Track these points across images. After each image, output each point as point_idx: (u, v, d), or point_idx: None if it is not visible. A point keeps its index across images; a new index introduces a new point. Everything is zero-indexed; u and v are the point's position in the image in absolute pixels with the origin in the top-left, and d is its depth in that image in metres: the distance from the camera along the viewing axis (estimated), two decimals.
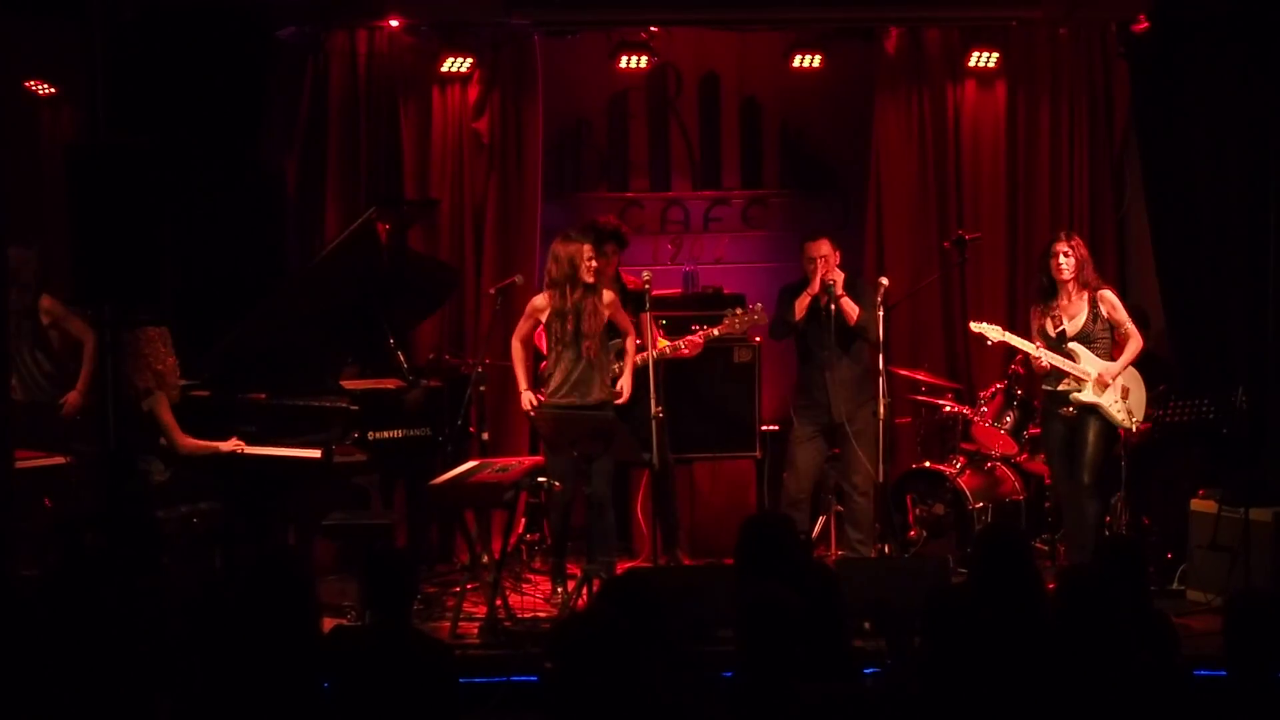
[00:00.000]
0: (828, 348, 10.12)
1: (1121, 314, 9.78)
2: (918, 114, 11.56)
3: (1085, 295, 9.73)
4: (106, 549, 7.34)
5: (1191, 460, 10.43)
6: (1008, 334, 9.89)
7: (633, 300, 10.29)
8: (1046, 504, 10.25)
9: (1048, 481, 10.60)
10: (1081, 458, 9.74)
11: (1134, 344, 9.75)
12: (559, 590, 9.97)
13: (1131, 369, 9.77)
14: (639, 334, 9.99)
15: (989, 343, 10.05)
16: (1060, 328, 9.75)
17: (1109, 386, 9.64)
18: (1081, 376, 9.67)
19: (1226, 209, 10.68)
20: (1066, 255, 9.68)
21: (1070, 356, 9.69)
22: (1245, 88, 10.53)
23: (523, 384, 9.89)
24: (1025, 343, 9.82)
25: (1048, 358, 9.69)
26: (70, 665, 5.83)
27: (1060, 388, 9.75)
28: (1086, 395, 9.67)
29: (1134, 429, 9.73)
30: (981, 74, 11.52)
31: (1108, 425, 9.71)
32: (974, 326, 10.03)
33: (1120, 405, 9.67)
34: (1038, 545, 10.56)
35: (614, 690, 5.16)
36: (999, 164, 11.57)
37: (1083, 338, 9.71)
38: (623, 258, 10.72)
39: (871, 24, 11.51)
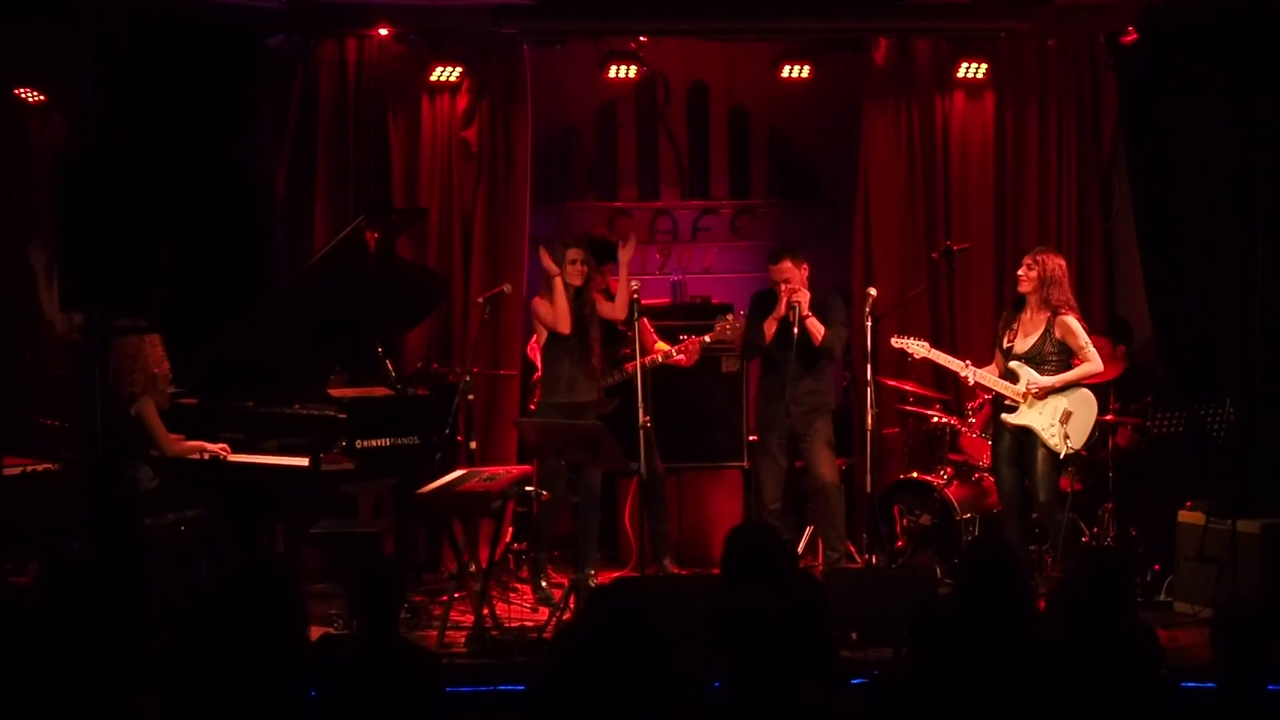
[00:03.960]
0: (792, 365, 10.11)
1: (1079, 340, 9.70)
2: (906, 124, 11.56)
3: (1045, 316, 9.74)
4: (93, 556, 7.34)
5: (1179, 471, 10.43)
6: (933, 351, 9.89)
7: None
8: (1034, 515, 10.25)
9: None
10: (1034, 474, 9.75)
11: (1086, 366, 9.72)
12: (543, 585, 10.09)
13: (1087, 394, 9.75)
14: (629, 344, 10.04)
15: (913, 359, 10.09)
16: (1010, 344, 9.78)
17: (1038, 404, 9.63)
18: (1016, 398, 9.69)
19: (1214, 220, 10.70)
20: (1029, 268, 9.71)
21: (1012, 375, 9.71)
22: (1233, 99, 10.55)
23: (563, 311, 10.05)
24: (951, 360, 9.86)
25: (975, 376, 9.73)
26: (57, 672, 5.83)
27: (1007, 401, 9.78)
28: (1017, 418, 9.70)
29: (1062, 452, 9.71)
30: (970, 85, 11.53)
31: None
32: (895, 342, 10.04)
33: (1056, 429, 9.64)
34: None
35: (605, 700, 5.18)
36: (987, 175, 11.58)
37: (1032, 357, 9.72)
38: (611, 267, 10.76)
39: (860, 34, 11.52)
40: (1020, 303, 9.82)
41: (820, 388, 10.29)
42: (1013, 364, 9.74)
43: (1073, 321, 9.74)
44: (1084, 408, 9.74)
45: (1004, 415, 9.72)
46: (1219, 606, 6.88)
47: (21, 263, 10.92)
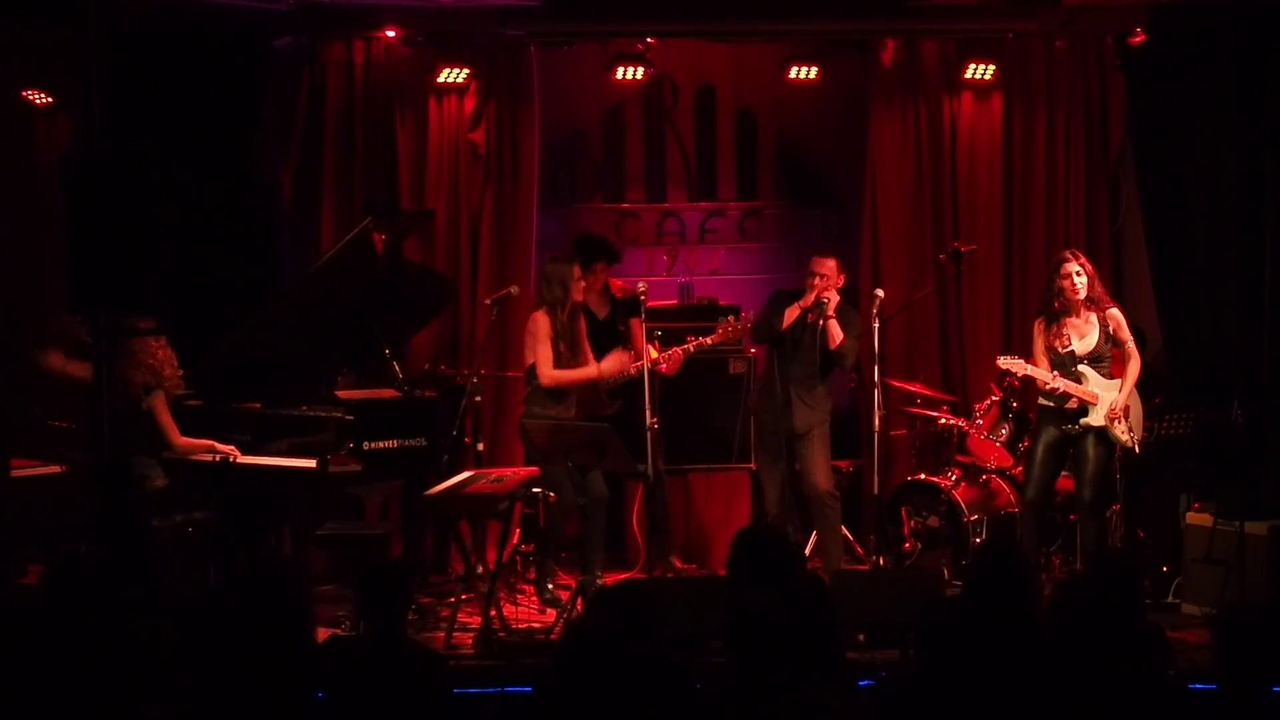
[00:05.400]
0: (804, 363, 10.13)
1: (1126, 332, 9.74)
2: (913, 126, 11.55)
3: (1094, 313, 9.71)
4: (99, 558, 7.34)
5: (1187, 473, 10.42)
6: (1029, 366, 9.81)
7: (625, 307, 10.34)
8: (1072, 515, 10.24)
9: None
10: (1083, 474, 9.73)
11: (1134, 365, 9.72)
12: (549, 587, 10.07)
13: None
14: (628, 343, 10.06)
15: (1015, 376, 10.05)
16: (1069, 347, 9.69)
17: (1105, 403, 9.63)
18: (1089, 399, 9.66)
19: (1222, 221, 10.69)
20: (1079, 274, 9.63)
21: (1078, 378, 9.68)
22: (1241, 100, 10.55)
23: (594, 367, 10.01)
24: (1044, 373, 9.75)
25: (1064, 386, 9.64)
26: (63, 674, 5.83)
27: (1067, 406, 9.73)
28: (1096, 419, 9.65)
29: (1137, 448, 9.74)
30: (977, 86, 11.51)
31: (1107, 440, 9.71)
32: (1001, 362, 9.93)
33: (1123, 425, 9.68)
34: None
35: (611, 700, 5.18)
36: (995, 176, 11.56)
37: (1095, 358, 9.70)
38: (619, 269, 10.77)
39: (867, 36, 11.51)
40: (1059, 311, 9.75)
41: (823, 393, 10.28)
42: (1081, 367, 9.69)
43: (1120, 315, 9.76)
44: (1135, 401, 9.78)
45: (1083, 419, 9.67)
46: (1220, 609, 6.88)
47: (25, 264, 10.91)
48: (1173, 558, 10.14)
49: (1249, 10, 10.44)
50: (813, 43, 11.48)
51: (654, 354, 10.21)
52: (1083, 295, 9.64)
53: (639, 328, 9.86)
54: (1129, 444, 9.69)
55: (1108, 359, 9.73)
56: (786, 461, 10.29)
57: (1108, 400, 9.65)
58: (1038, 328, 9.86)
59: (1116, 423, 9.63)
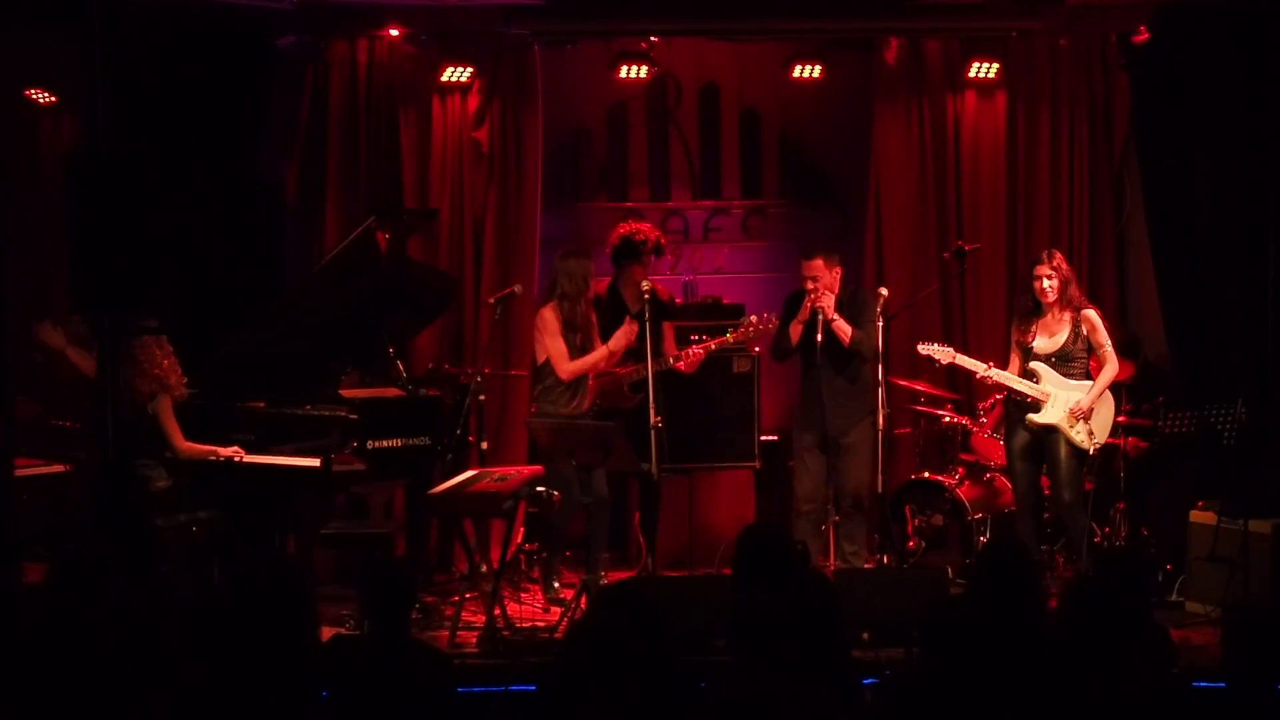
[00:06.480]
0: (823, 365, 10.13)
1: (1101, 336, 9.76)
2: (917, 125, 11.55)
3: (1068, 314, 9.75)
4: (104, 557, 7.34)
5: (1190, 472, 10.42)
6: (958, 356, 9.92)
7: (659, 308, 10.25)
8: (1045, 514, 10.25)
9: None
10: (1056, 476, 9.78)
11: (1109, 370, 9.75)
12: (554, 585, 10.10)
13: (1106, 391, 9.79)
14: (658, 343, 10.05)
15: (937, 364, 10.09)
16: (1032, 344, 9.78)
17: (1063, 402, 9.66)
18: (1039, 397, 9.70)
19: (1226, 220, 10.69)
20: (1049, 278, 9.70)
21: (1032, 375, 9.72)
22: (1245, 99, 10.55)
23: (603, 347, 10.03)
24: (975, 363, 9.89)
25: (997, 376, 9.75)
26: (68, 672, 5.83)
27: (1026, 401, 9.78)
28: (1043, 417, 9.72)
29: (1092, 450, 9.74)
30: (981, 85, 11.51)
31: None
32: (922, 349, 10.08)
33: (1081, 426, 9.67)
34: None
35: (614, 699, 5.18)
36: (999, 175, 11.55)
37: (1061, 357, 9.74)
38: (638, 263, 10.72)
39: (871, 35, 11.51)
40: (1036, 307, 9.80)
41: (858, 388, 10.23)
42: (1033, 364, 9.74)
43: (1096, 317, 9.79)
44: (1104, 404, 9.78)
45: (1030, 415, 9.72)
46: (1229, 606, 6.88)
47: (29, 263, 10.90)
48: (1177, 556, 10.13)
49: (1253, 9, 10.43)
50: (817, 41, 11.49)
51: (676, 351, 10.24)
52: (1051, 299, 9.73)
53: (670, 330, 9.88)
54: (1084, 444, 9.70)
55: (1078, 359, 9.78)
56: (822, 461, 10.28)
57: (1062, 399, 9.69)
58: (1014, 327, 9.96)
59: (1074, 423, 9.64)
